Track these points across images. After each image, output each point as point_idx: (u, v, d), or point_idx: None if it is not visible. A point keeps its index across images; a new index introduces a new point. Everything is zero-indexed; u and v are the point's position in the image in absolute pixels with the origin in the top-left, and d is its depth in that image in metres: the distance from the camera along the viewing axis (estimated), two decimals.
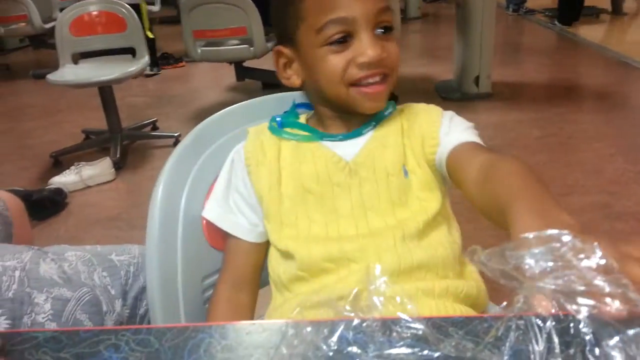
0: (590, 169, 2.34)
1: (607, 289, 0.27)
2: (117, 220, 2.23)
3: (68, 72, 2.77)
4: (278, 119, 0.76)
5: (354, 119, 0.73)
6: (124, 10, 2.86)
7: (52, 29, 4.85)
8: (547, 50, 4.79)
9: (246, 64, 3.53)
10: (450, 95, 3.45)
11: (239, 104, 0.85)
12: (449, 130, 0.70)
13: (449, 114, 0.74)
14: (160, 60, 4.94)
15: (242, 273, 0.73)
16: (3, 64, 5.80)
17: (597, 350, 0.26)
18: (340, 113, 0.73)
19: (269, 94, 3.32)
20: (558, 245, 0.29)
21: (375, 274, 0.30)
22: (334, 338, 0.27)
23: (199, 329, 0.33)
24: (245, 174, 0.73)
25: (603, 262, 0.28)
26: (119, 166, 2.68)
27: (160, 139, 3.07)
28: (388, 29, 0.69)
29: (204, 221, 0.75)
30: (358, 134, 0.72)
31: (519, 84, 3.72)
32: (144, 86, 4.26)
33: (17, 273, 0.71)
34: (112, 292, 0.77)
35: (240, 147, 0.76)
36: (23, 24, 4.99)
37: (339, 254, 0.65)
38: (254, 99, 0.86)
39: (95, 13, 2.89)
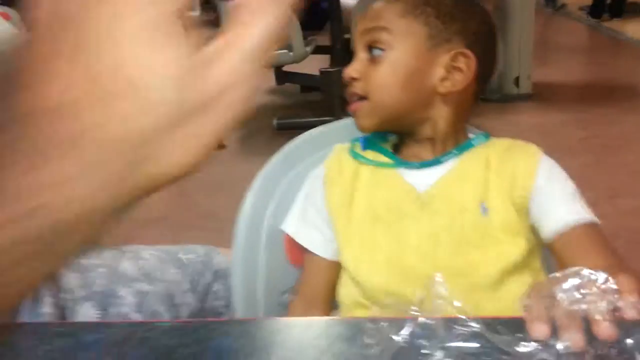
0: (637, 170, 2.31)
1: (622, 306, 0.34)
2: (167, 220, 2.33)
3: None
4: (361, 139, 0.74)
5: (433, 146, 0.70)
6: None
7: None
8: (587, 48, 4.71)
9: (285, 67, 3.62)
10: (490, 97, 3.44)
11: (334, 122, 0.86)
12: (550, 191, 0.65)
13: (548, 162, 0.68)
14: None
15: (315, 290, 0.72)
16: None
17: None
18: (406, 138, 0.73)
19: (308, 96, 3.40)
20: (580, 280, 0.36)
21: (438, 280, 0.35)
22: (403, 331, 0.33)
23: (291, 323, 0.40)
24: (321, 189, 0.73)
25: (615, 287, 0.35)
26: None
27: None
28: (376, 50, 0.68)
29: (286, 238, 0.76)
30: (436, 162, 0.69)
31: (560, 84, 3.67)
32: None
33: (101, 269, 0.79)
34: (184, 287, 0.85)
35: (321, 166, 0.76)
36: None
37: (399, 289, 0.62)
38: (342, 120, 0.85)
39: None
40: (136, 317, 0.77)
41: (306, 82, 3.73)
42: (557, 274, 0.37)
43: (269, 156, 3.04)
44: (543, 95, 3.39)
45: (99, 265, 0.80)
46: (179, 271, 0.86)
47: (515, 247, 0.63)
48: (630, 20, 5.08)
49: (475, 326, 0.33)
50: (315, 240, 0.72)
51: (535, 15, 3.40)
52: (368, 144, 0.73)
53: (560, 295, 0.34)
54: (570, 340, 0.33)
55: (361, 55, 0.69)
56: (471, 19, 0.70)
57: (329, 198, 0.71)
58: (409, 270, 0.64)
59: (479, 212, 0.64)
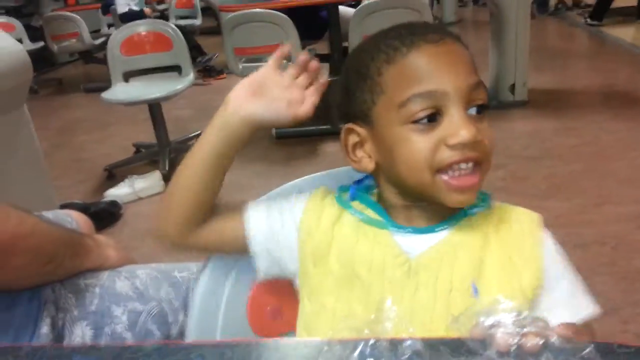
0: (624, 178, 2.36)
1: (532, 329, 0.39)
2: None
3: (120, 90, 2.97)
4: (351, 188, 0.68)
5: (429, 214, 0.63)
6: (170, 30, 3.05)
7: (101, 44, 5.18)
8: (583, 55, 4.75)
9: None
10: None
11: (302, 179, 0.80)
12: (555, 288, 0.61)
13: (552, 244, 0.63)
14: (204, 72, 5.17)
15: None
16: (55, 78, 6.15)
17: None
18: (415, 203, 0.63)
19: None
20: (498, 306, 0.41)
21: (387, 304, 0.40)
22: (355, 353, 0.38)
23: (261, 344, 0.45)
24: (295, 229, 0.67)
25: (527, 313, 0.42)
26: (167, 178, 2.85)
27: None
28: (483, 109, 0.59)
29: (249, 303, 0.74)
30: (430, 231, 0.62)
31: (555, 90, 3.72)
32: (189, 98, 4.46)
33: (97, 290, 0.84)
34: (176, 304, 0.90)
35: (302, 200, 0.69)
36: (74, 40, 5.32)
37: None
38: (319, 174, 0.81)
39: (144, 33, 3.08)
40: (128, 335, 0.82)
41: None
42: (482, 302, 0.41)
43: (267, 165, 3.15)
44: (538, 102, 3.44)
45: (95, 285, 0.85)
46: (171, 289, 0.91)
47: None
48: (623, 25, 5.12)
49: (419, 347, 0.38)
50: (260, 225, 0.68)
51: (530, 21, 3.45)
52: (357, 195, 0.67)
53: (481, 319, 0.40)
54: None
55: (462, 113, 0.57)
56: None
57: (302, 246, 0.66)
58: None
59: (469, 292, 0.59)
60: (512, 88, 3.42)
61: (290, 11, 3.03)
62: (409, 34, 0.60)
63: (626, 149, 2.65)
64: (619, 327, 1.52)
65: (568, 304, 0.62)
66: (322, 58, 3.61)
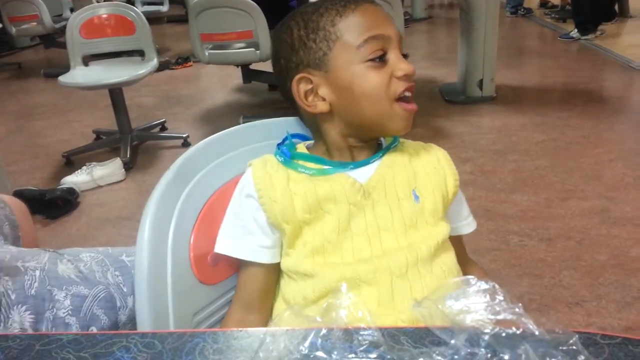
0: (589, 174, 2.38)
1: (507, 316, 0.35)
2: (127, 219, 2.30)
3: (79, 74, 2.84)
4: (283, 148, 0.76)
5: (363, 151, 0.76)
6: (132, 13, 2.93)
7: (63, 28, 4.98)
8: (550, 53, 4.81)
9: (253, 66, 3.60)
10: (454, 98, 3.49)
11: (221, 132, 0.83)
12: (460, 199, 0.81)
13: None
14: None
15: (252, 294, 0.74)
16: (14, 62, 5.91)
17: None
18: (358, 141, 0.76)
19: (274, 94, 3.40)
20: (469, 288, 0.37)
21: (342, 291, 0.36)
22: (306, 344, 0.33)
23: (195, 334, 0.39)
24: (259, 211, 0.73)
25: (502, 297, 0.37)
26: (129, 166, 2.75)
27: (169, 140, 3.14)
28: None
29: (192, 257, 0.75)
30: (367, 162, 0.75)
31: (522, 87, 3.75)
32: (153, 86, 4.34)
33: (37, 273, 0.78)
34: (124, 289, 0.84)
35: (247, 183, 0.74)
36: (34, 23, 5.09)
37: (352, 274, 0.68)
38: (235, 127, 0.85)
39: (104, 16, 2.96)
40: (72, 320, 0.76)
41: (272, 81, 3.72)
42: (450, 281, 0.38)
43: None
44: (506, 98, 3.46)
45: (35, 269, 0.78)
46: (119, 273, 0.85)
47: (441, 228, 0.74)
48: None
49: (375, 336, 0.34)
50: (255, 250, 0.73)
51: (500, 19, 3.46)
52: (292, 154, 0.75)
53: (448, 304, 0.36)
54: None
55: (399, 53, 0.72)
56: None
57: (271, 216, 0.72)
58: (358, 259, 0.69)
59: (412, 199, 0.73)
60: (480, 84, 3.42)
61: None
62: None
63: (591, 145, 2.69)
64: (583, 320, 1.53)
65: (469, 217, 0.83)
66: None
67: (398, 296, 0.67)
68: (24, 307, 0.74)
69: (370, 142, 0.77)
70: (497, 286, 0.37)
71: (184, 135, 3.04)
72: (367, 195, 0.72)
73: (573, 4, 4.91)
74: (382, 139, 0.80)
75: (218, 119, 3.52)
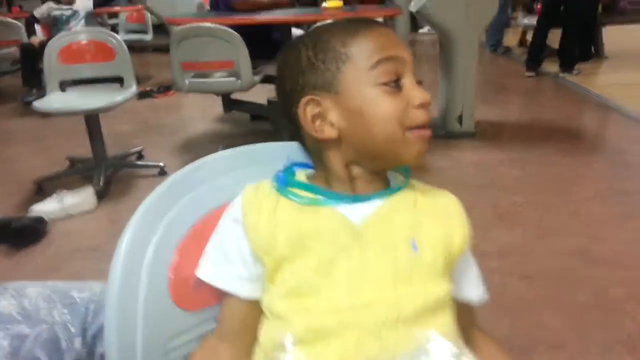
0: (567, 211, 2.38)
1: None
2: (97, 250, 2.22)
3: (55, 100, 2.79)
4: (279, 174, 0.71)
5: (366, 184, 0.69)
6: (113, 40, 2.91)
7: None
8: (528, 91, 4.90)
9: (233, 96, 3.59)
10: (435, 133, 3.50)
11: (211, 155, 0.80)
12: (470, 261, 0.74)
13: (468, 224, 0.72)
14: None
15: (229, 325, 0.69)
16: None
17: None
18: (366, 170, 0.69)
19: (256, 125, 3.38)
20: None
21: (287, 346, 0.32)
22: None
23: None
24: (243, 239, 0.67)
25: None
26: (101, 195, 2.68)
27: (145, 169, 3.08)
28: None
29: (170, 279, 0.71)
30: (367, 199, 0.68)
31: (501, 123, 3.79)
32: (133, 113, 4.29)
33: None
34: (72, 329, 0.78)
35: (236, 207, 0.70)
36: (14, 48, 5.05)
37: (321, 324, 0.62)
38: (226, 151, 0.81)
39: (84, 42, 2.93)
40: None
41: (254, 111, 3.72)
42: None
43: None
44: (485, 133, 3.49)
45: None
46: (67, 311, 0.79)
47: (439, 287, 0.65)
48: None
49: None
50: (234, 281, 0.68)
51: (480, 56, 3.51)
52: (288, 181, 0.70)
53: None
54: None
55: (413, 79, 0.68)
56: None
57: (253, 245, 0.66)
58: (334, 307, 0.63)
59: (409, 247, 0.65)
60: (460, 119, 3.45)
61: (241, 29, 2.96)
62: (356, 21, 0.70)
63: (569, 184, 2.70)
64: None
65: (477, 282, 0.74)
66: (271, 79, 3.56)
67: (362, 357, 0.60)
68: None
69: (377, 176, 0.70)
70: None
71: (161, 165, 2.98)
72: (358, 237, 0.65)
73: (561, 43, 5.04)
74: (390, 177, 0.73)
75: (197, 148, 3.48)
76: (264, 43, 3.41)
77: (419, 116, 0.66)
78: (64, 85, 2.89)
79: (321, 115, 0.67)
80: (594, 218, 2.31)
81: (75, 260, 2.16)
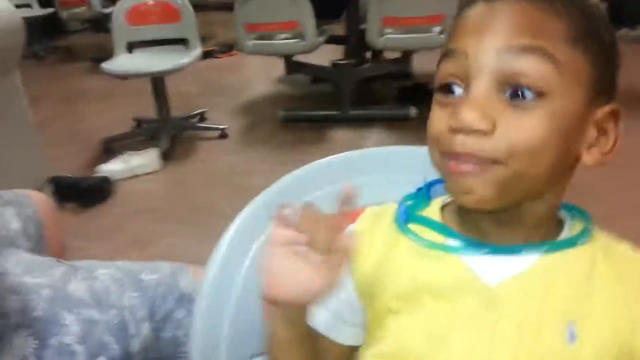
0: None
1: None
2: (160, 211, 2.26)
3: (123, 62, 2.82)
4: (402, 204, 0.56)
5: (504, 228, 0.50)
6: (179, 0, 2.89)
7: (111, 13, 5.02)
8: None
9: (296, 57, 3.52)
10: None
11: (333, 157, 0.73)
12: None
13: None
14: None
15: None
16: (64, 46, 6.01)
17: None
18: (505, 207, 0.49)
19: (317, 88, 3.25)
20: None
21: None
22: None
23: None
24: (350, 269, 0.54)
25: None
26: (166, 157, 2.71)
27: (207, 131, 3.09)
28: (528, 93, 0.44)
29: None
30: (514, 251, 0.49)
31: None
32: (196, 73, 4.31)
33: (45, 291, 0.70)
34: (139, 314, 0.76)
35: (348, 234, 0.54)
36: (84, 8, 5.15)
37: None
38: (351, 152, 0.73)
39: (151, 3, 2.93)
40: (79, 349, 0.68)
41: (316, 74, 3.63)
42: None
43: (272, 149, 2.97)
44: None
45: (43, 286, 0.71)
46: (137, 295, 0.77)
47: None
48: None
49: None
50: (343, 332, 0.57)
51: None
52: (412, 214, 0.54)
53: None
54: None
55: (484, 86, 0.45)
56: (616, 63, 0.49)
57: (358, 282, 0.55)
58: None
59: (564, 336, 0.46)
60: None
61: None
62: None
63: None
64: None
65: None
66: (337, 40, 3.45)
67: None
68: (26, 332, 0.66)
69: (520, 215, 0.49)
70: None
71: (222, 127, 2.98)
72: (491, 305, 0.48)
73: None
74: (568, 224, 0.52)
75: (258, 111, 3.45)
76: (329, 2, 3.29)
77: (448, 138, 0.46)
78: (131, 47, 2.91)
79: None
80: None
81: (139, 221, 2.21)
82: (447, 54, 0.47)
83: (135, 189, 2.47)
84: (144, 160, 2.59)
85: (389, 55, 3.51)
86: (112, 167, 2.52)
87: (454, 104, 0.46)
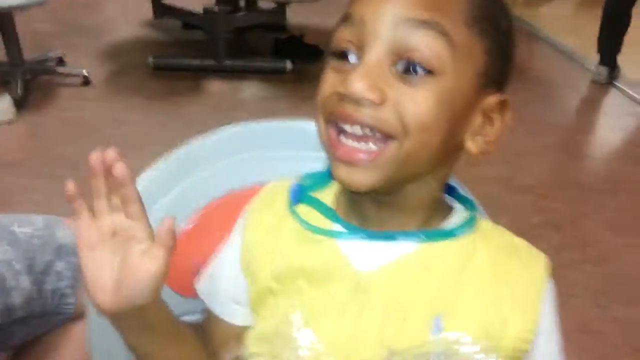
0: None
1: None
2: (18, 166, 2.07)
3: None
4: (296, 185, 0.55)
5: (386, 213, 0.49)
6: None
7: None
8: None
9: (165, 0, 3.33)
10: None
11: (241, 126, 0.70)
12: (546, 345, 0.49)
13: (551, 297, 0.50)
14: None
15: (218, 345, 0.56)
16: None
17: None
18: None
19: (189, 34, 3.13)
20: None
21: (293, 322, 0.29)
22: None
23: None
24: (239, 246, 0.55)
25: None
26: (20, 105, 2.46)
27: (67, 77, 2.85)
28: (419, 69, 0.43)
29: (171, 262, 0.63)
30: (389, 238, 0.49)
31: None
32: (50, 11, 3.88)
33: None
34: (17, 267, 0.74)
35: (246, 210, 0.57)
36: None
37: None
38: (263, 123, 0.71)
39: None
40: None
41: (187, 20, 3.47)
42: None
43: (144, 99, 2.84)
44: None
45: None
46: (11, 248, 0.74)
47: None
48: None
49: None
50: (229, 305, 0.56)
51: None
52: (304, 193, 0.54)
53: None
54: None
55: (377, 56, 0.43)
56: (513, 56, 0.50)
57: (243, 258, 0.54)
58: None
59: (428, 327, 0.46)
60: None
61: None
62: None
63: None
64: None
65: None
66: None
67: None
68: None
69: (401, 198, 0.49)
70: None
71: (84, 73, 2.77)
72: (359, 291, 0.48)
73: None
74: (457, 211, 0.52)
75: (124, 56, 3.23)
76: None
77: (334, 105, 0.45)
78: None
79: None
80: (517, 147, 2.41)
81: None
82: (344, 18, 0.46)
83: None
84: None
85: (263, 5, 3.46)
86: None
87: (347, 70, 0.44)
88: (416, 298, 0.47)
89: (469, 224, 0.50)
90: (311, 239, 0.51)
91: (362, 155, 0.44)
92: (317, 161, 0.56)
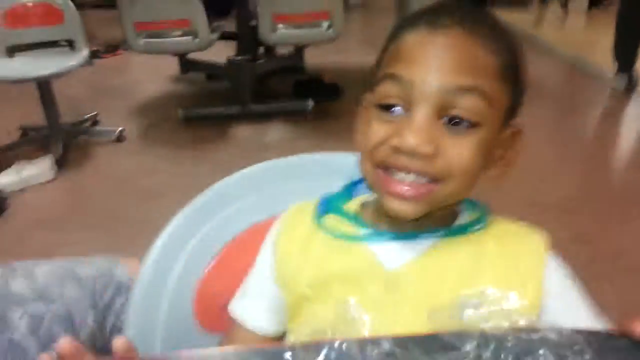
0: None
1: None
2: (61, 221, 2.18)
3: (3, 67, 2.65)
4: (323, 199, 0.62)
5: (419, 221, 0.54)
6: (59, 1, 2.77)
7: None
8: None
9: (190, 55, 3.50)
10: None
11: (261, 164, 0.75)
12: (565, 306, 0.54)
13: (557, 267, 0.56)
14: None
15: None
16: None
17: None
18: None
19: (214, 85, 3.24)
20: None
21: (350, 303, 0.35)
22: (322, 357, 0.33)
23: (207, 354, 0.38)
24: (271, 257, 0.61)
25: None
26: (60, 164, 2.61)
27: (102, 136, 3.00)
28: (464, 123, 0.50)
29: (196, 299, 0.68)
30: (412, 237, 0.55)
31: None
32: (82, 76, 4.11)
33: None
34: (83, 304, 0.80)
35: (273, 229, 0.63)
36: None
37: None
38: (282, 159, 0.76)
39: (30, 4, 2.77)
40: (31, 344, 0.70)
41: (212, 71, 3.64)
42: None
43: (173, 148, 2.95)
44: None
45: None
46: (77, 287, 0.80)
47: None
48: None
49: (386, 345, 0.34)
50: (258, 315, 0.61)
51: None
52: (331, 207, 0.61)
53: (466, 313, 0.37)
54: None
55: (425, 114, 0.50)
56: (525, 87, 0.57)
57: (279, 271, 0.60)
58: None
59: (456, 310, 0.51)
60: None
61: None
62: (426, 13, 0.54)
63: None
64: None
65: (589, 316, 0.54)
66: (229, 36, 3.48)
67: None
68: None
69: (431, 214, 0.54)
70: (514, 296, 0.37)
71: (119, 129, 2.91)
72: (391, 288, 0.53)
73: None
74: (465, 213, 0.59)
75: (154, 111, 3.39)
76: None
77: (386, 154, 0.52)
78: (12, 52, 2.74)
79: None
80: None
81: (40, 232, 2.12)
82: (391, 77, 0.52)
83: (30, 200, 2.36)
84: (37, 169, 2.47)
85: (281, 50, 3.61)
86: (3, 180, 2.38)
87: (394, 121, 0.51)
88: (443, 287, 0.53)
89: (480, 222, 0.57)
90: (340, 246, 0.57)
91: (413, 193, 0.51)
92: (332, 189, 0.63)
